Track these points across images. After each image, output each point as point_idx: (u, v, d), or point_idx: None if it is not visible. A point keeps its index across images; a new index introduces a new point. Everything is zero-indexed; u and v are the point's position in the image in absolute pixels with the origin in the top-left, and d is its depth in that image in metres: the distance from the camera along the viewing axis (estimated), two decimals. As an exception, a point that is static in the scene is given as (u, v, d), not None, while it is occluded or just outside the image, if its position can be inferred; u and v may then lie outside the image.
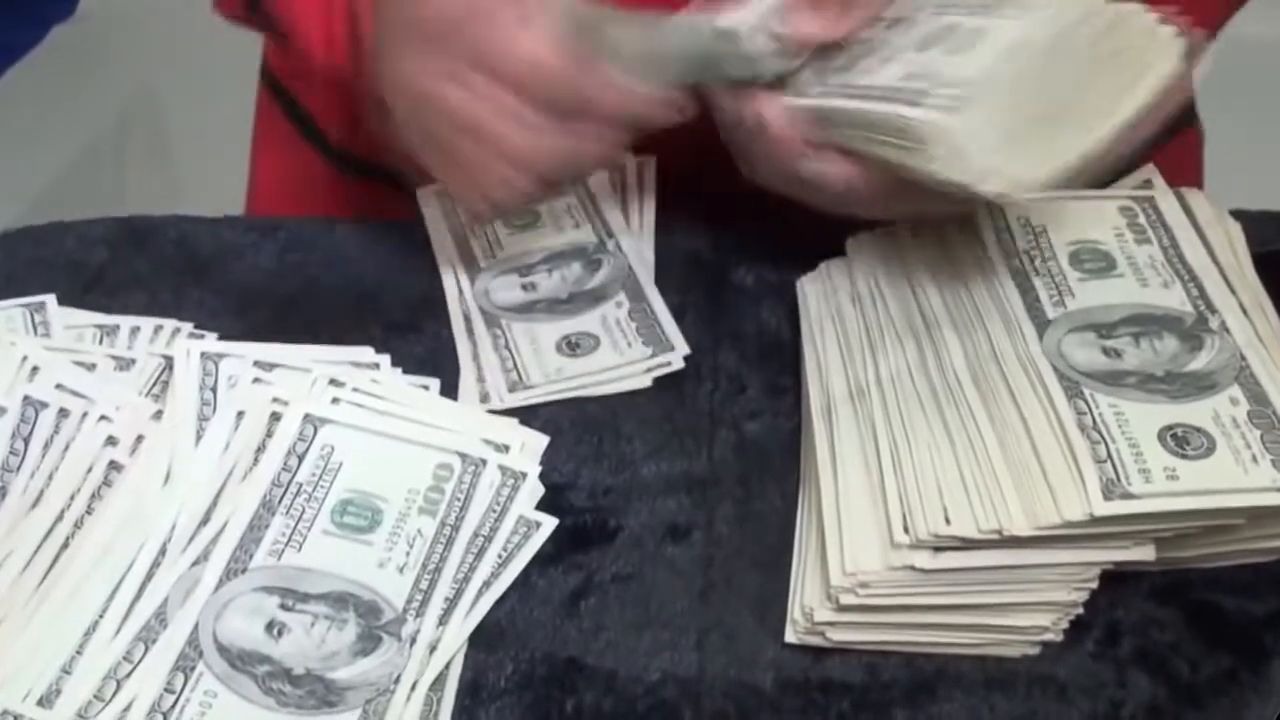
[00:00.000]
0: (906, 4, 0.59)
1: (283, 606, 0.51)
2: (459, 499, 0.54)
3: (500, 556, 0.53)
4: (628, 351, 0.62)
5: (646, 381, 0.61)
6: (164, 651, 0.49)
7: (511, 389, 0.61)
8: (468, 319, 0.64)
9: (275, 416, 0.56)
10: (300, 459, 0.55)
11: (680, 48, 0.59)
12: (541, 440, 0.58)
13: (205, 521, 0.53)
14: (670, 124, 0.60)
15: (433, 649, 0.50)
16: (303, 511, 0.53)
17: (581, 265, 0.66)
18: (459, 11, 0.59)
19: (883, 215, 0.61)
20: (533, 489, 0.55)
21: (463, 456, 0.55)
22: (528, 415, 0.60)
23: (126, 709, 0.47)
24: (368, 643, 0.50)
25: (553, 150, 0.60)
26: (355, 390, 0.58)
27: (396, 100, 0.62)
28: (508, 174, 0.60)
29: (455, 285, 0.66)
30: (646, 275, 0.66)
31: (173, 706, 0.48)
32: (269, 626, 0.50)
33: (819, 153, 0.58)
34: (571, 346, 0.62)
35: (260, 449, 0.55)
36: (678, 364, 0.61)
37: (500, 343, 0.63)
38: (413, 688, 0.49)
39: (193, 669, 0.49)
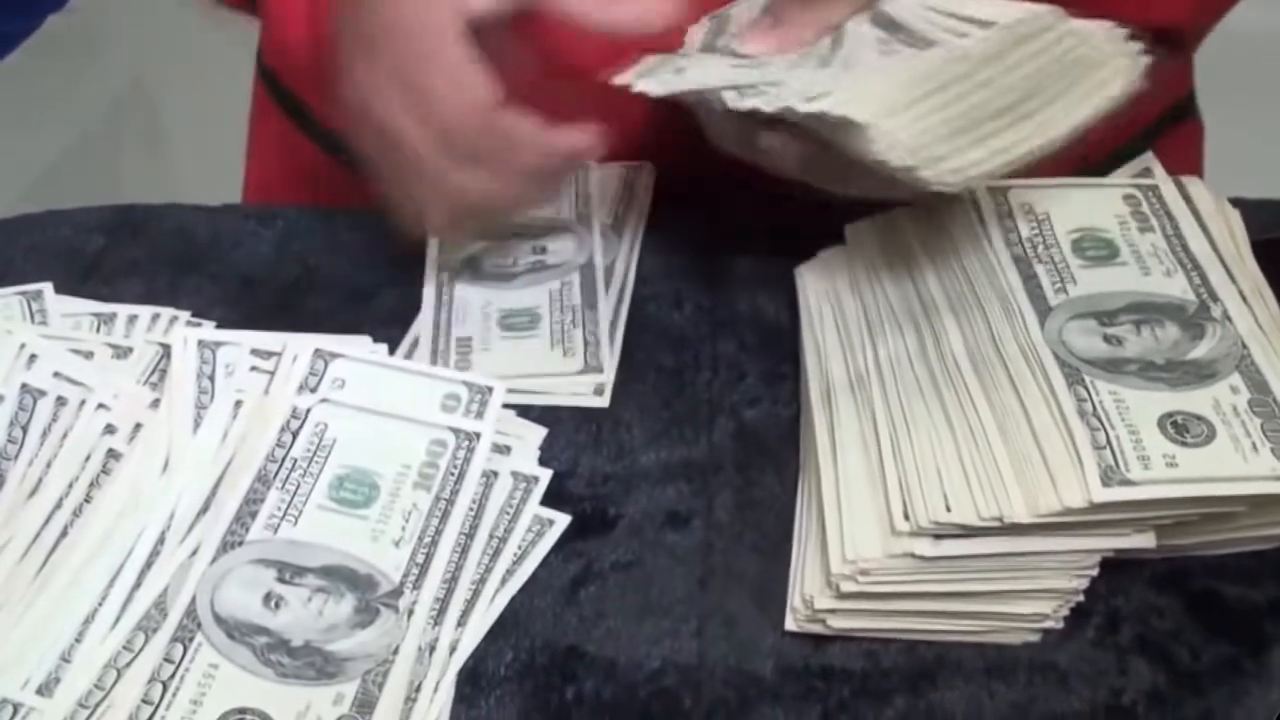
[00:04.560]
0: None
1: (280, 579, 0.51)
2: (453, 473, 0.54)
3: (515, 555, 0.53)
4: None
5: None
6: (164, 630, 0.49)
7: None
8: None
9: (267, 393, 0.56)
10: (294, 435, 0.55)
11: None
12: (539, 431, 0.58)
13: (205, 510, 0.53)
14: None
15: (453, 649, 0.50)
16: (298, 486, 0.53)
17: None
18: (382, 24, 0.57)
19: (843, 191, 0.59)
20: (543, 488, 0.56)
21: (456, 432, 0.55)
22: (525, 405, 0.59)
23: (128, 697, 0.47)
24: (365, 615, 0.50)
25: (477, 189, 0.59)
26: (347, 364, 0.58)
27: (349, 113, 0.61)
28: (445, 202, 0.59)
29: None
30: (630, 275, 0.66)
31: (172, 676, 0.48)
32: (266, 599, 0.50)
33: (772, 125, 0.57)
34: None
35: (254, 429, 0.55)
36: None
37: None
38: (436, 689, 0.49)
39: (191, 639, 0.49)
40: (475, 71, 0.56)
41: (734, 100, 0.55)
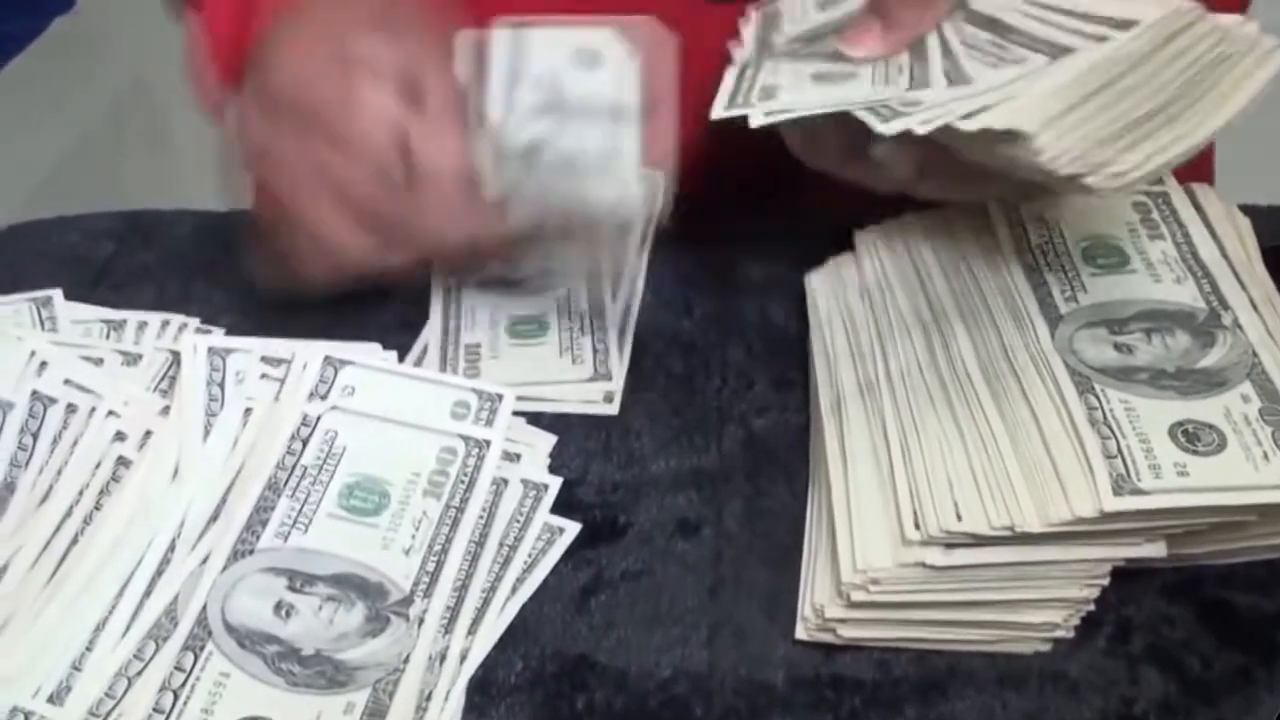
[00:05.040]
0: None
1: (290, 588, 0.51)
2: (463, 481, 0.54)
3: (525, 563, 0.53)
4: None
5: None
6: (175, 639, 0.49)
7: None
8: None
9: (277, 400, 0.56)
10: (304, 443, 0.55)
11: None
12: (549, 439, 0.58)
13: (215, 518, 0.53)
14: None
15: (463, 658, 0.50)
16: (308, 494, 0.53)
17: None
18: (290, 93, 0.57)
19: (958, 197, 0.59)
20: (553, 496, 0.56)
21: (466, 439, 0.55)
22: (535, 413, 0.59)
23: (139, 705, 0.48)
24: (376, 624, 0.50)
25: (363, 251, 0.58)
26: (357, 372, 0.58)
27: (241, 149, 0.60)
28: (319, 258, 0.59)
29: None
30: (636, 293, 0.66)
31: (183, 684, 0.48)
32: (277, 607, 0.50)
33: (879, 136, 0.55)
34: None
35: (265, 437, 0.55)
36: None
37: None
38: (446, 697, 0.49)
39: (202, 648, 0.49)
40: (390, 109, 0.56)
41: (879, 124, 0.53)
